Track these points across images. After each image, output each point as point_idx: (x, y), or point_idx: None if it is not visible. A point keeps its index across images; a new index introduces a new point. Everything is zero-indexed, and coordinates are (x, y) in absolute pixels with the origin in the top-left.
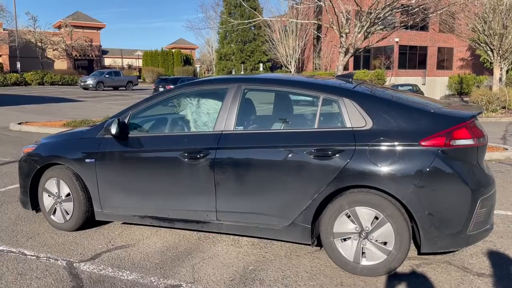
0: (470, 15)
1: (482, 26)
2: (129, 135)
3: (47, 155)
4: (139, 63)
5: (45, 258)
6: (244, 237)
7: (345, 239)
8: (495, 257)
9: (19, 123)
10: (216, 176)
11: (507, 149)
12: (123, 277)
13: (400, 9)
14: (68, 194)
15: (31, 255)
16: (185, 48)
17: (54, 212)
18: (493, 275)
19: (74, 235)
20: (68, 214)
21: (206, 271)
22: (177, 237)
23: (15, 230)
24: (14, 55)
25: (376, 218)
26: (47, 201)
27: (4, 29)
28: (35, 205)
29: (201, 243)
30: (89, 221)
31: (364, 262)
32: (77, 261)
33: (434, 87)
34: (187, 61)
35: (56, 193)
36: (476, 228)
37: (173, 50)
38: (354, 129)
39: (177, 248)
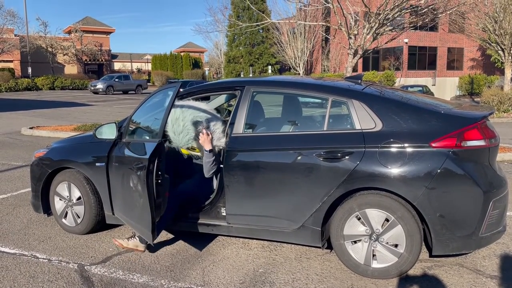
0: (480, 14)
1: (493, 25)
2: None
3: (58, 159)
4: (148, 67)
5: (57, 261)
6: (254, 240)
7: (355, 242)
8: (508, 259)
9: (31, 128)
10: (225, 178)
11: None
12: (133, 280)
13: (409, 10)
14: (79, 198)
15: (43, 258)
16: (194, 52)
17: (66, 216)
18: (506, 277)
19: (85, 238)
20: (79, 217)
21: (216, 274)
22: (187, 240)
23: (27, 233)
24: (25, 60)
25: (387, 220)
26: (58, 204)
27: (15, 35)
28: (47, 208)
29: (211, 246)
30: (100, 224)
31: (375, 264)
32: (88, 264)
33: (445, 88)
34: (196, 64)
35: (67, 196)
36: (488, 230)
37: (182, 54)
38: (363, 131)
39: (187, 251)
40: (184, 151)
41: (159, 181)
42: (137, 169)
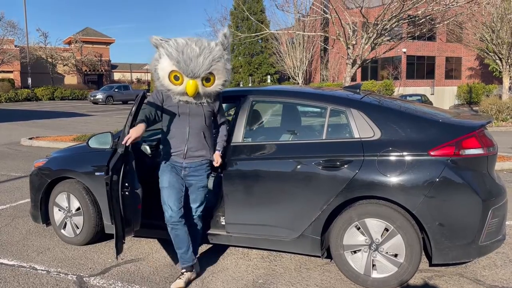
0: (478, 24)
1: (490, 35)
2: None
3: (58, 168)
4: (148, 77)
5: (56, 273)
6: (254, 250)
7: (355, 251)
8: (509, 269)
9: (30, 138)
10: (224, 187)
11: None
12: None
13: (407, 20)
14: (78, 208)
15: (42, 270)
16: None
17: (65, 226)
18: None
19: (84, 249)
20: (78, 228)
21: (216, 284)
22: None
23: (25, 244)
24: (25, 71)
25: (386, 229)
26: (57, 215)
27: (15, 46)
28: (46, 218)
29: (210, 256)
30: (99, 235)
31: (374, 274)
32: (87, 275)
33: (443, 97)
34: None
35: (66, 207)
36: (488, 239)
37: None
38: (362, 139)
39: None
40: (194, 88)
41: (126, 193)
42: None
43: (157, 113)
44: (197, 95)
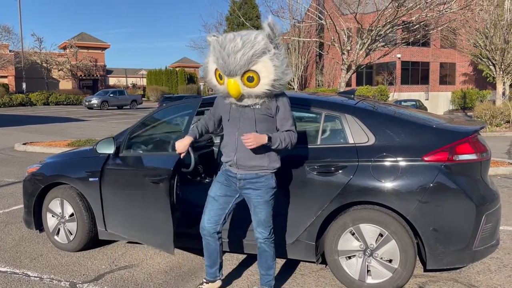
0: (471, 30)
1: (484, 41)
2: (131, 154)
3: (51, 174)
4: (143, 82)
5: (49, 279)
6: (248, 256)
7: (349, 257)
8: (503, 274)
9: (24, 144)
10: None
11: None
12: None
13: (401, 26)
14: (72, 214)
15: (35, 276)
16: (189, 67)
17: (58, 233)
18: None
19: (77, 256)
20: (71, 234)
21: None
22: (180, 257)
23: (18, 251)
24: (20, 76)
25: (381, 235)
26: (50, 221)
27: (10, 51)
28: (39, 224)
29: (204, 262)
30: (92, 241)
31: (369, 280)
32: (80, 282)
33: (438, 102)
34: (191, 79)
35: (60, 213)
36: (482, 244)
37: (177, 69)
38: (356, 145)
39: (180, 268)
40: (235, 88)
41: (178, 192)
42: (158, 181)
43: (215, 121)
44: (242, 97)
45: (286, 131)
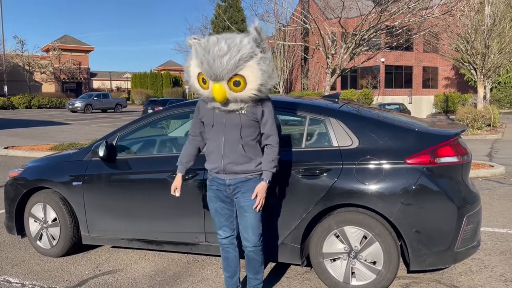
0: (453, 35)
1: (465, 46)
2: (117, 157)
3: (34, 178)
4: (128, 85)
5: (31, 286)
6: None
7: (334, 260)
8: (484, 274)
9: (6, 147)
10: (204, 196)
11: (493, 166)
12: None
13: (384, 31)
14: (55, 219)
15: (16, 283)
16: (174, 70)
17: (40, 238)
18: None
19: (60, 261)
20: (54, 239)
21: None
22: (165, 261)
23: None
24: (1, 79)
25: (365, 237)
26: (33, 226)
27: None
28: (21, 230)
29: (190, 266)
30: (76, 246)
31: (354, 282)
32: (63, 287)
33: (421, 106)
34: (176, 82)
35: (43, 218)
36: (463, 245)
37: (162, 72)
38: (341, 148)
39: (165, 272)
40: (221, 93)
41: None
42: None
43: (202, 131)
44: (227, 102)
45: (269, 137)
